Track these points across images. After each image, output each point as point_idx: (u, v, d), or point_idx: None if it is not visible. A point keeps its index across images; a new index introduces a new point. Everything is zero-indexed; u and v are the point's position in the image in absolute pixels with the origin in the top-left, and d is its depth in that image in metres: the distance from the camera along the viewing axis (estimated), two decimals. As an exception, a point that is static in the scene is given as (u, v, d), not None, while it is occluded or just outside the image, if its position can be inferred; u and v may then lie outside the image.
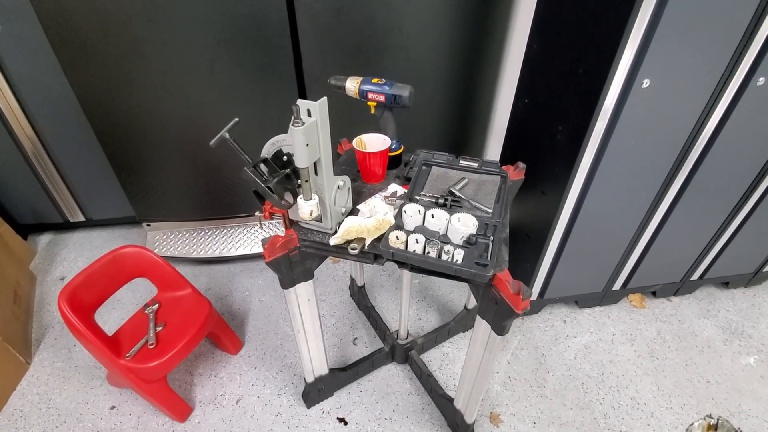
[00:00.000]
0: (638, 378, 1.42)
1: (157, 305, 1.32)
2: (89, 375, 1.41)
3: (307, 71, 1.39)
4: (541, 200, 1.33)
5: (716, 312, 1.66)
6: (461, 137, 1.63)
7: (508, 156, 1.51)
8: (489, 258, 0.82)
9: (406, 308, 1.28)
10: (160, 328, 1.26)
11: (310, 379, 1.24)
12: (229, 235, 1.72)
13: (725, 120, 1.13)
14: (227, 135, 0.79)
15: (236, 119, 0.79)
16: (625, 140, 1.11)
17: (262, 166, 0.83)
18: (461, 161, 1.07)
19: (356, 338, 1.54)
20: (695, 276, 1.62)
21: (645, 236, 1.40)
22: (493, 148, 1.57)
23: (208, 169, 1.55)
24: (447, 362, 1.46)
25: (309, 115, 0.74)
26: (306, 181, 0.79)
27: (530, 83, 1.33)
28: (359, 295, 1.62)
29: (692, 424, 0.24)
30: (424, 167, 1.06)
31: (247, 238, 1.73)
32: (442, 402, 1.27)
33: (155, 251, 1.46)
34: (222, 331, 1.42)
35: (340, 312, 1.63)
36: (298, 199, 0.82)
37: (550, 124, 1.24)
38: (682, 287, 1.66)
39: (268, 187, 0.79)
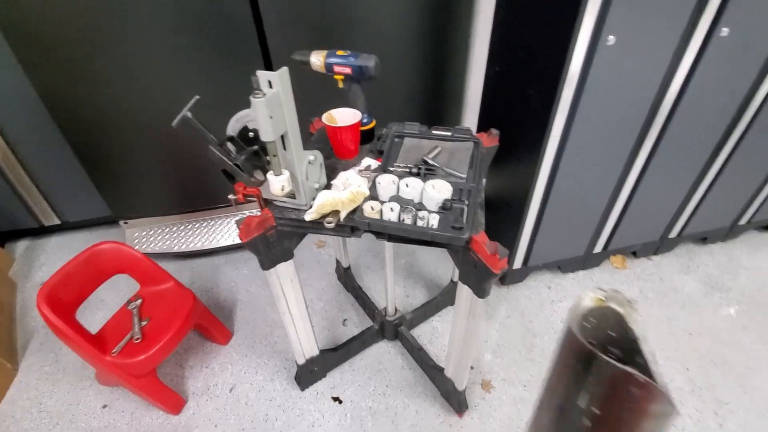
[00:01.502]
0: (623, 336, 1.45)
1: (140, 300, 1.30)
2: (78, 376, 1.39)
3: (272, 49, 1.36)
4: (518, 168, 1.34)
5: (696, 267, 1.70)
6: (436, 109, 1.62)
7: (485, 126, 1.51)
8: (464, 221, 0.82)
9: (391, 285, 1.28)
10: (145, 323, 1.25)
11: (301, 361, 1.25)
12: (209, 227, 1.70)
13: (692, 73, 1.15)
14: (189, 114, 0.77)
15: (197, 97, 0.77)
16: (595, 100, 1.11)
17: (229, 145, 0.81)
18: (434, 131, 1.07)
19: (346, 319, 1.54)
20: (674, 234, 1.65)
21: (622, 196, 1.42)
22: (470, 119, 1.57)
23: (182, 160, 1.53)
24: (436, 335, 1.47)
25: (270, 86, 0.73)
26: (274, 155, 0.78)
27: (500, 49, 1.32)
28: (346, 276, 1.62)
29: (580, 296, 0.24)
30: (396, 139, 1.05)
31: (228, 229, 1.71)
32: (434, 373, 1.29)
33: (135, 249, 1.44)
34: (210, 323, 1.42)
35: (327, 295, 1.63)
36: (268, 175, 0.81)
37: (522, 90, 1.24)
38: (661, 245, 1.69)
39: (236, 165, 0.78)
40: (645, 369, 0.17)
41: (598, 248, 1.59)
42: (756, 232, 1.86)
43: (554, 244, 1.50)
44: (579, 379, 0.18)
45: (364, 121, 1.03)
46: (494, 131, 1.10)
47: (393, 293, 1.32)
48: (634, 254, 1.72)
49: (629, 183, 1.38)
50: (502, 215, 1.49)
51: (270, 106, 0.71)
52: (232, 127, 0.82)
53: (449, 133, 1.06)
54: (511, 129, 1.32)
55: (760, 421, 1.23)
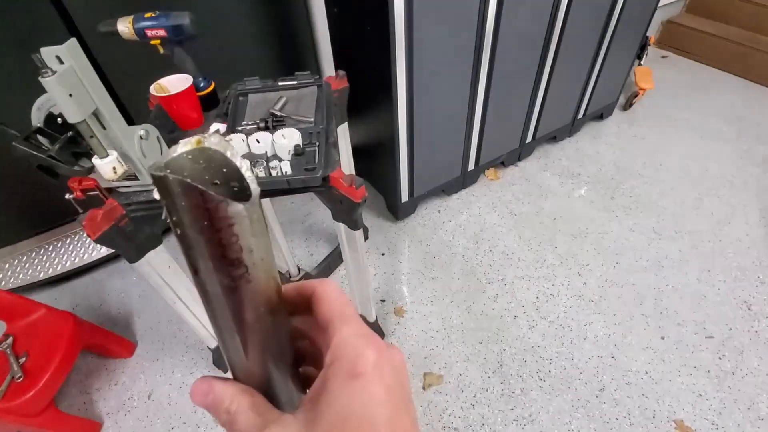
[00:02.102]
0: (504, 235, 1.66)
1: (11, 338, 1.15)
2: (-40, 444, 1.22)
3: (78, 21, 1.19)
4: (379, 107, 1.39)
5: (552, 163, 1.97)
6: (290, 62, 1.58)
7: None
8: (317, 162, 0.85)
9: (285, 246, 1.29)
10: (23, 360, 1.11)
11: (213, 344, 1.23)
12: (75, 242, 1.52)
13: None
14: (-31, 111, 0.67)
15: (-28, 89, 0.67)
16: (426, 27, 1.18)
17: (39, 138, 0.73)
18: (279, 83, 1.06)
19: (256, 294, 1.53)
20: (529, 139, 1.88)
21: (477, 114, 1.57)
22: (327, 67, 1.56)
23: (9, 174, 1.31)
24: (345, 284, 1.54)
25: (61, 62, 0.65)
26: (91, 137, 0.72)
27: (332, -9, 1.32)
28: (246, 253, 1.59)
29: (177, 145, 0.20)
30: (240, 98, 1.02)
31: (102, 238, 1.55)
32: (347, 315, 1.36)
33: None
34: (105, 339, 1.31)
35: (232, 276, 1.59)
36: (94, 159, 0.75)
37: (362, 28, 1.27)
38: (522, 151, 1.92)
39: (51, 157, 0.71)
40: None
41: (471, 165, 1.75)
42: (593, 123, 2.19)
43: (432, 171, 1.62)
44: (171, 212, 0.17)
45: (201, 85, 0.98)
46: (341, 72, 1.12)
47: (290, 254, 1.33)
48: (503, 164, 1.93)
49: (479, 100, 1.52)
50: (379, 156, 1.55)
51: (65, 83, 0.65)
52: (36, 117, 0.73)
53: (295, 82, 1.05)
54: (363, 70, 1.36)
55: (612, 271, 1.53)
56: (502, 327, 1.39)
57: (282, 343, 0.23)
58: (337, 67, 1.55)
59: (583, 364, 1.29)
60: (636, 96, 2.23)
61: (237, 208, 0.16)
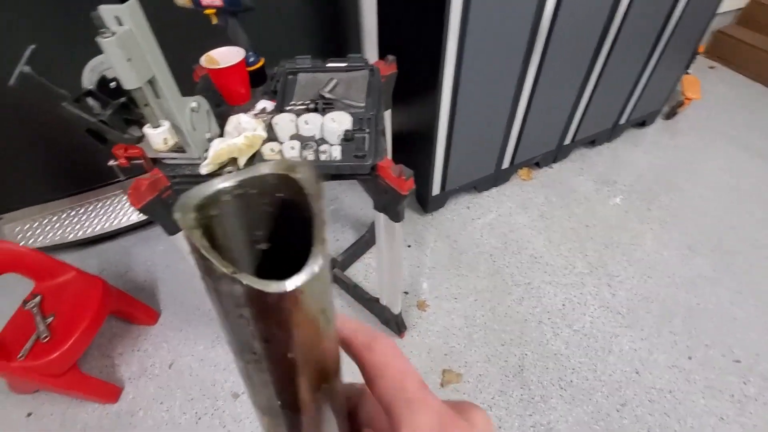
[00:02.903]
0: (534, 238, 1.62)
1: (39, 297, 1.17)
2: (-14, 393, 1.25)
3: None
4: (422, 96, 1.35)
5: (588, 168, 1.91)
6: (334, 43, 1.54)
7: (385, 55, 1.48)
8: (367, 149, 0.82)
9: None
10: (50, 320, 1.13)
11: (237, 321, 1.23)
12: (107, 207, 1.53)
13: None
14: (27, 68, 0.65)
15: (32, 47, 0.65)
16: (482, 19, 1.13)
17: (90, 101, 0.71)
18: (328, 63, 1.02)
19: (279, 274, 1.53)
20: (567, 141, 1.82)
21: (519, 112, 1.51)
22: (370, 50, 1.52)
23: (51, 133, 1.31)
24: (370, 271, 1.53)
25: (120, 23, 0.63)
26: (146, 105, 0.70)
27: (386, -29, 1.27)
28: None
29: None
30: (290, 77, 0.99)
31: (130, 205, 1.55)
32: (371, 304, 1.35)
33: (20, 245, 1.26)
34: (131, 306, 1.33)
35: (257, 254, 1.59)
36: (145, 129, 0.73)
37: (414, 15, 1.22)
38: (559, 153, 1.86)
39: (102, 122, 0.69)
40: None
41: (506, 164, 1.70)
42: (634, 130, 2.11)
43: (467, 166, 1.58)
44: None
45: (251, 60, 0.95)
46: (390, 57, 1.09)
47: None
48: (538, 165, 1.88)
49: (524, 97, 1.47)
50: (416, 145, 1.52)
51: (124, 46, 0.62)
52: (88, 79, 0.71)
53: (344, 64, 1.02)
54: (410, 56, 1.31)
55: (642, 285, 1.48)
56: (526, 331, 1.37)
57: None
58: (380, 51, 1.50)
59: (606, 377, 1.27)
60: (681, 105, 2.14)
61: (238, 288, 0.13)
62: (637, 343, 1.34)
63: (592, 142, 1.98)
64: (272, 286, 0.13)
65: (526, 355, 1.31)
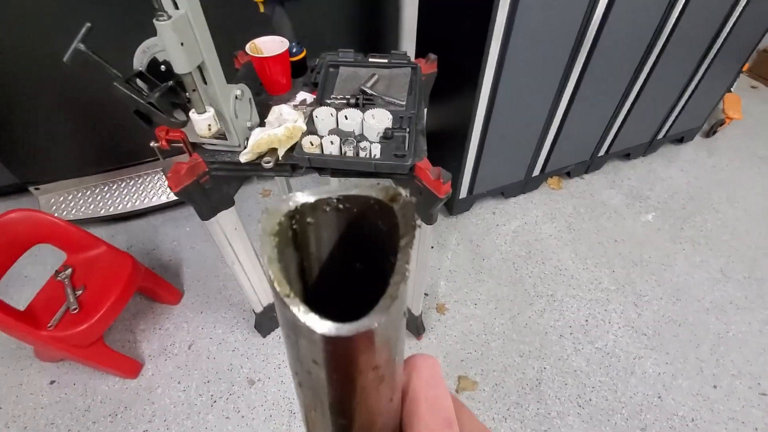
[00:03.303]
0: (559, 249, 1.59)
1: (70, 270, 1.20)
2: (13, 357, 1.29)
3: None
4: (458, 97, 1.33)
5: (621, 182, 1.86)
6: (372, 38, 1.53)
7: (423, 52, 1.46)
8: (407, 149, 0.81)
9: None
10: (80, 292, 1.16)
11: (258, 309, 1.24)
12: (139, 185, 1.56)
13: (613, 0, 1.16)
14: (82, 46, 0.66)
15: (88, 24, 0.66)
16: (527, 23, 1.10)
17: (139, 82, 0.72)
18: (370, 59, 1.01)
19: (300, 265, 1.53)
20: (602, 152, 1.77)
21: (555, 120, 1.48)
22: (407, 46, 1.50)
23: (93, 109, 1.34)
24: (391, 269, 1.52)
25: (177, 7, 0.63)
26: (194, 90, 0.70)
27: (433, -32, 1.25)
28: (296, 223, 1.59)
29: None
30: (331, 69, 0.98)
31: (162, 185, 1.58)
32: (391, 303, 1.34)
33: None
34: (156, 284, 1.35)
35: (279, 244, 1.60)
36: (191, 113, 0.73)
37: (457, 14, 1.20)
38: (591, 164, 1.82)
39: (150, 104, 0.69)
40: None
41: (536, 171, 1.67)
42: (671, 145, 2.04)
43: (496, 171, 1.56)
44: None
45: (294, 50, 0.95)
46: (432, 56, 1.07)
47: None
48: (568, 174, 1.83)
49: (562, 105, 1.43)
50: (447, 146, 1.50)
51: (179, 30, 0.62)
52: (139, 60, 0.72)
53: (386, 60, 1.01)
54: (449, 55, 1.29)
55: (670, 307, 1.44)
56: (546, 344, 1.34)
57: None
58: (418, 47, 1.49)
59: (626, 399, 1.23)
60: (721, 124, 2.06)
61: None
62: (661, 366, 1.30)
63: (627, 155, 1.92)
64: (315, 324, 0.12)
65: (544, 368, 1.29)
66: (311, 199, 0.15)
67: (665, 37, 1.38)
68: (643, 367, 1.30)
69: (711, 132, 2.09)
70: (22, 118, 1.33)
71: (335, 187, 0.16)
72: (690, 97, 1.72)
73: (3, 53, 1.18)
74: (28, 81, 1.25)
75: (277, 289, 0.13)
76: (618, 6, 1.19)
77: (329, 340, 0.13)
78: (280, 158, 0.81)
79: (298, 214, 0.16)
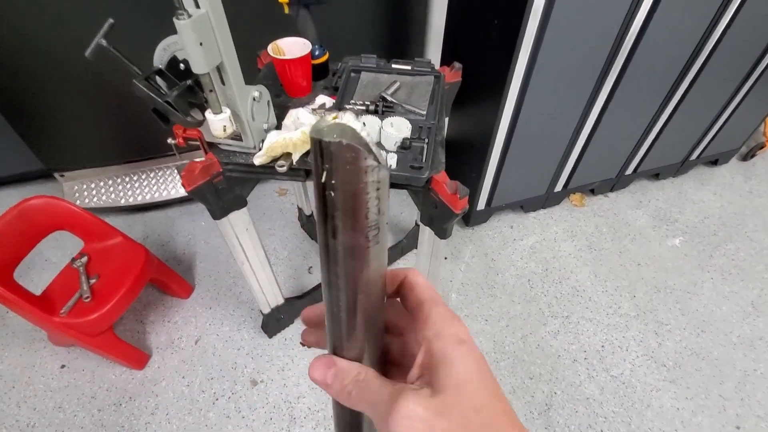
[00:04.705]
0: (578, 269, 1.53)
1: (86, 258, 1.22)
2: (29, 339, 1.33)
3: None
4: (482, 106, 1.29)
5: (647, 202, 1.78)
6: (397, 43, 1.50)
7: (448, 60, 1.43)
8: (424, 160, 0.78)
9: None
10: (94, 281, 1.17)
11: (266, 310, 1.23)
12: (159, 177, 1.58)
13: (656, 6, 1.10)
14: (104, 42, 0.66)
15: (110, 20, 0.66)
16: (559, 34, 1.06)
17: (158, 80, 0.71)
18: (393, 65, 0.99)
19: (311, 267, 1.53)
20: (629, 171, 1.70)
21: (582, 135, 1.42)
22: (433, 53, 1.47)
23: (118, 102, 1.36)
24: (402, 278, 1.49)
25: (198, 6, 0.63)
26: (211, 90, 0.69)
27: (464, -26, 1.22)
28: (309, 224, 1.58)
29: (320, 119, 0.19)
30: (353, 74, 0.97)
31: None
32: (399, 313, 1.32)
33: (76, 204, 1.32)
34: (168, 277, 1.36)
35: (292, 243, 1.60)
36: (207, 113, 0.73)
37: (486, 23, 1.16)
38: (617, 183, 1.75)
39: (168, 103, 0.69)
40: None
41: (559, 187, 1.61)
42: (704, 167, 1.95)
43: (517, 185, 1.51)
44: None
45: (316, 53, 0.94)
46: (457, 65, 1.04)
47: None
48: (592, 192, 1.77)
49: (591, 120, 1.38)
50: (466, 156, 1.46)
51: (198, 30, 0.62)
52: (159, 58, 0.72)
53: (409, 67, 0.99)
54: (475, 64, 1.26)
55: (694, 339, 1.36)
56: (558, 368, 1.29)
57: (380, 318, 0.24)
58: (443, 54, 1.46)
59: (641, 433, 1.17)
60: (761, 148, 1.95)
61: (384, 172, 0.17)
62: (680, 401, 1.23)
63: (656, 175, 1.84)
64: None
65: (555, 393, 1.24)
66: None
67: (708, 51, 1.31)
68: (660, 400, 1.23)
69: (749, 155, 1.98)
70: (52, 109, 1.36)
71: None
72: (729, 117, 1.64)
73: (35, 44, 1.21)
74: (58, 72, 1.28)
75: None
76: (658, 18, 1.13)
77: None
78: (294, 163, 0.80)
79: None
